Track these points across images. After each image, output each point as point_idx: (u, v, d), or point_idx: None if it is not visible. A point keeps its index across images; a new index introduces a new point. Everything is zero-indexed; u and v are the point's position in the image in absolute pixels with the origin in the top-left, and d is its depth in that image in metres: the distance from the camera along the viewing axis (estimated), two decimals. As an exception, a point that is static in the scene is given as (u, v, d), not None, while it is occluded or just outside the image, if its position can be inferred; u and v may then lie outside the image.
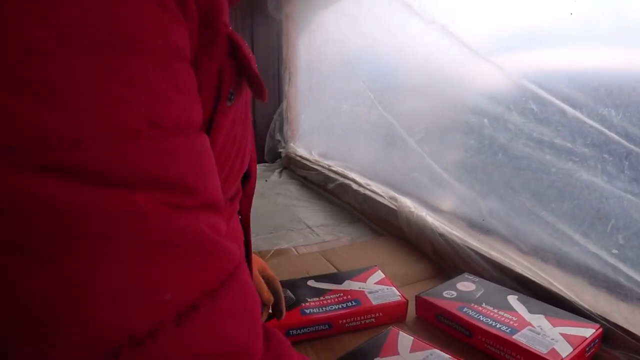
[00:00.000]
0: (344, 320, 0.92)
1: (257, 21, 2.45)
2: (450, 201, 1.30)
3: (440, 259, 1.22)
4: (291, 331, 0.89)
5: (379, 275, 1.07)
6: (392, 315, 0.96)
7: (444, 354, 0.77)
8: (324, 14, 2.03)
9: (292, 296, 0.97)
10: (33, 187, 0.24)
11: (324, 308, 0.93)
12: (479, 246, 1.13)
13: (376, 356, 0.78)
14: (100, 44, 0.26)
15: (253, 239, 1.48)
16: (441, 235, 1.22)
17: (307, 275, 1.10)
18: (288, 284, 1.01)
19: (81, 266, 0.26)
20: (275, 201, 1.95)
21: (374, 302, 0.95)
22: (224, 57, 0.36)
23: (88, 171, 0.25)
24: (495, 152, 1.15)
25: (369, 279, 1.05)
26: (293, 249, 1.42)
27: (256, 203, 1.89)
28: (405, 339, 0.82)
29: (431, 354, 0.78)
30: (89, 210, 0.26)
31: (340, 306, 0.94)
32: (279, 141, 2.50)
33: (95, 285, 0.26)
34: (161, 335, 0.28)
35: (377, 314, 0.94)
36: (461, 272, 1.09)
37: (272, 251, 1.42)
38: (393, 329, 0.86)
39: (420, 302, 0.97)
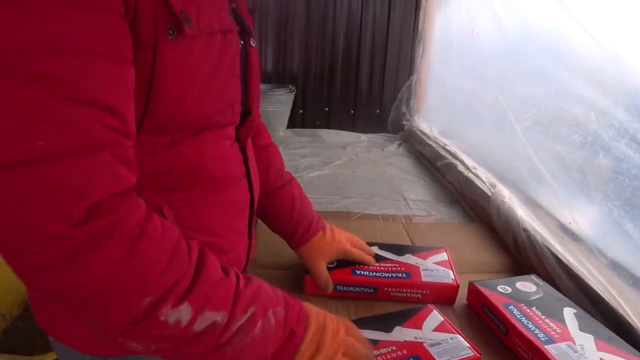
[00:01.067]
0: (390, 289, 0.96)
1: (396, -9, 2.45)
2: (542, 197, 1.24)
3: (519, 254, 1.18)
4: (338, 287, 0.96)
5: (442, 256, 1.05)
6: (440, 295, 0.96)
7: (465, 341, 0.78)
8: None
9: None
10: None
11: (374, 273, 0.97)
12: (558, 249, 1.08)
13: (398, 325, 0.82)
14: None
15: (346, 202, 1.57)
16: (525, 230, 1.17)
17: (376, 242, 1.13)
18: None
19: None
20: (383, 170, 2.00)
21: (424, 279, 0.96)
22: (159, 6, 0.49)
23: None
24: (596, 151, 1.06)
25: (429, 257, 1.04)
26: (380, 217, 1.47)
27: (363, 169, 2.02)
28: (434, 318, 0.85)
29: (452, 338, 0.79)
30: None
31: (390, 275, 0.97)
32: (404, 114, 2.51)
33: None
34: None
35: (424, 291, 0.96)
36: (534, 271, 1.05)
37: (359, 214, 1.49)
38: (429, 306, 0.89)
39: (471, 290, 0.97)
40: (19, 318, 1.83)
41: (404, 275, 0.97)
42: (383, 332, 0.81)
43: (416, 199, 1.66)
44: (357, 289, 0.97)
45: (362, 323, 0.82)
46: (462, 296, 1.00)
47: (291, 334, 0.57)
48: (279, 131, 2.32)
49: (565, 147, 1.17)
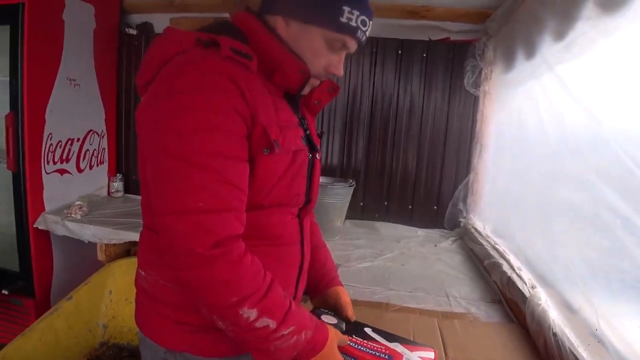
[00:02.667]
0: None
1: (453, 95, 2.58)
2: (575, 301, 1.23)
3: (548, 358, 1.17)
4: None
5: (429, 354, 1.00)
6: None
7: None
8: (515, 93, 2.06)
9: (342, 328, 1.01)
10: None
11: (358, 346, 0.97)
12: (583, 355, 1.06)
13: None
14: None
15: (389, 294, 1.62)
16: (554, 334, 1.17)
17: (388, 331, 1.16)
18: (352, 323, 1.06)
19: None
20: (432, 266, 2.02)
21: None
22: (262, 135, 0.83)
23: None
24: (622, 257, 1.07)
25: (415, 351, 0.99)
26: (417, 310, 1.50)
27: (413, 264, 2.10)
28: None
29: None
30: None
31: (373, 352, 0.96)
32: (461, 211, 2.54)
33: None
34: None
35: None
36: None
37: (397, 307, 1.53)
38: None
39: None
40: None
41: (386, 357, 0.95)
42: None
43: (458, 295, 1.67)
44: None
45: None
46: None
47: (312, 349, 0.82)
48: (337, 222, 2.43)
49: (595, 251, 1.18)
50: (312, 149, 0.97)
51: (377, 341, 1.00)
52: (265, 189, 0.85)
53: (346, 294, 1.15)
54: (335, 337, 0.89)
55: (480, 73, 2.46)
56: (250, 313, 0.75)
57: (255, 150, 0.82)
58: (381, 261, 2.07)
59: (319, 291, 1.16)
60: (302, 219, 0.99)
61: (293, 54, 0.89)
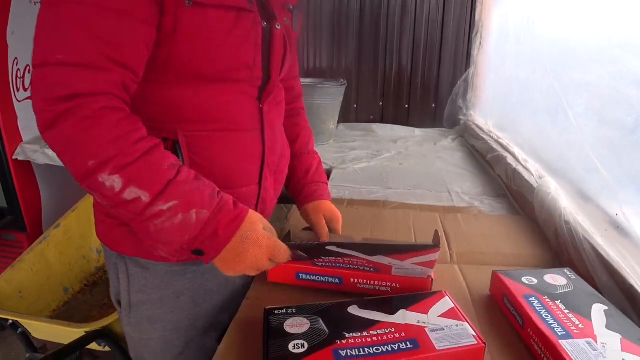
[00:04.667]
0: (355, 280, 0.90)
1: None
2: (590, 187, 1.13)
3: (560, 248, 1.09)
4: (301, 274, 0.94)
5: (446, 304, 0.80)
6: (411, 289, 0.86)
7: (471, 329, 0.72)
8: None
9: (305, 255, 0.81)
10: None
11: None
12: (599, 242, 0.98)
13: (404, 308, 0.77)
14: None
15: (387, 192, 1.53)
16: (566, 222, 1.08)
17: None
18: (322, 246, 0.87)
19: None
20: (431, 164, 1.92)
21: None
22: None
23: None
24: (650, 134, 0.95)
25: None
26: (418, 207, 1.41)
27: (411, 162, 1.98)
28: (444, 304, 0.79)
29: (457, 325, 0.73)
30: None
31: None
32: (460, 108, 2.40)
33: None
34: None
35: (394, 284, 0.88)
36: (573, 266, 0.96)
37: (396, 204, 1.43)
38: (442, 292, 0.83)
39: (494, 279, 0.90)
40: (80, 292, 1.98)
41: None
42: (386, 314, 0.76)
43: (460, 191, 1.58)
44: (321, 278, 0.93)
45: (368, 304, 0.79)
46: (484, 286, 0.93)
47: (214, 234, 0.69)
48: (329, 124, 2.29)
49: (617, 131, 1.06)
50: (268, 16, 0.83)
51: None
52: (200, 54, 0.73)
53: (333, 212, 1.05)
54: (258, 225, 0.73)
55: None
56: (113, 181, 0.63)
57: (174, 2, 0.68)
58: (378, 161, 1.96)
59: (299, 207, 1.08)
60: (264, 102, 0.86)
61: None
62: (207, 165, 0.79)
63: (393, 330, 0.72)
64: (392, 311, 0.77)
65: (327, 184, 1.11)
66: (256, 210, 0.89)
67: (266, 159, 0.88)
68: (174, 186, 0.67)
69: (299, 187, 1.07)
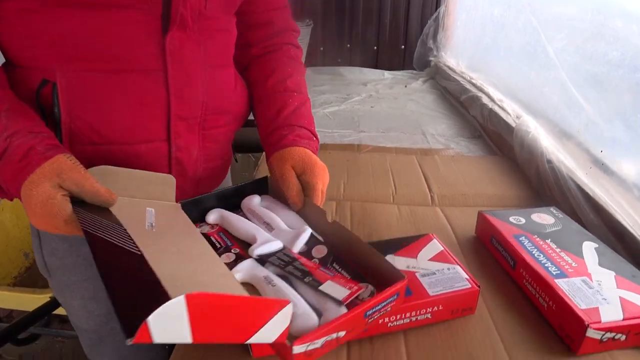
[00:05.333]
0: (383, 320, 0.63)
1: None
2: (572, 124, 1.10)
3: (541, 188, 1.07)
4: None
5: (434, 246, 0.76)
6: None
7: (463, 273, 0.69)
8: None
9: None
10: None
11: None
12: (584, 180, 0.96)
13: (392, 253, 0.74)
14: None
15: (360, 135, 1.47)
16: (548, 161, 1.06)
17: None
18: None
19: None
20: (403, 106, 1.87)
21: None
22: None
23: None
24: (636, 68, 0.92)
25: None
26: (393, 149, 1.37)
27: (382, 105, 1.91)
28: (433, 247, 0.76)
29: (449, 269, 0.70)
30: None
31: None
32: (431, 49, 2.34)
33: None
34: None
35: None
36: (556, 205, 0.94)
37: (371, 147, 1.39)
38: (430, 234, 0.79)
39: (480, 220, 0.87)
40: None
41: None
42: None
43: (435, 133, 1.54)
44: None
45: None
46: (469, 228, 0.90)
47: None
48: (296, 67, 2.20)
49: (602, 66, 1.03)
50: None
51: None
52: None
53: (311, 163, 0.74)
54: (40, 186, 0.55)
55: None
56: None
57: None
58: (348, 105, 1.89)
59: (267, 163, 0.80)
60: (171, 36, 0.66)
61: None
62: (91, 115, 0.65)
63: None
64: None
65: (310, 131, 0.81)
66: (170, 172, 0.73)
67: (173, 109, 0.70)
68: None
69: (266, 133, 0.81)
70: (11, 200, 0.63)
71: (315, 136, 0.82)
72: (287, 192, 0.72)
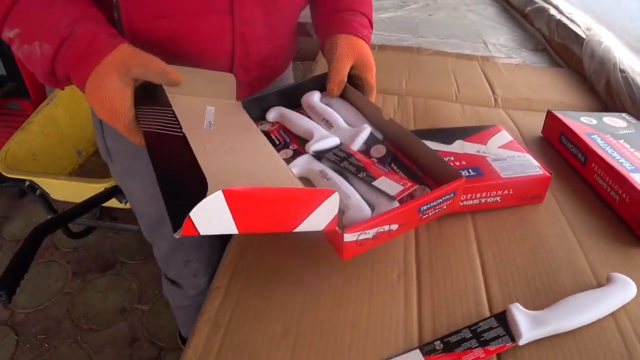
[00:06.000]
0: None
1: None
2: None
3: (611, 99, 1.05)
4: None
5: (504, 136, 0.77)
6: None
7: (534, 160, 0.70)
8: None
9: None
10: None
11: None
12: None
13: (461, 139, 0.75)
14: None
15: (419, 40, 1.45)
16: (622, 70, 1.02)
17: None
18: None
19: None
20: (463, 16, 1.80)
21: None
22: None
23: None
24: None
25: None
26: (454, 55, 1.34)
27: (441, 14, 1.83)
28: (502, 136, 0.77)
29: (519, 156, 0.71)
30: None
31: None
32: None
33: None
34: None
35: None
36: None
37: (431, 50, 1.36)
38: (498, 125, 0.80)
39: (549, 119, 0.87)
40: (93, 155, 1.95)
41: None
42: (442, 144, 0.74)
43: (497, 43, 1.49)
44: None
45: (421, 134, 0.71)
46: (536, 128, 0.90)
47: (66, 76, 0.58)
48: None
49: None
50: None
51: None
52: None
53: (363, 54, 0.73)
54: (108, 77, 0.55)
55: None
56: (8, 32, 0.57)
57: None
58: (405, 11, 1.83)
59: (321, 48, 0.79)
60: None
61: None
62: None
63: (452, 158, 0.71)
64: (448, 141, 0.74)
65: (369, 20, 0.80)
66: (234, 49, 0.71)
67: (237, 37, 0.69)
68: (15, 12, 0.56)
69: (325, 16, 0.79)
70: (62, 89, 0.63)
71: (372, 24, 0.81)
72: (332, 77, 0.72)
